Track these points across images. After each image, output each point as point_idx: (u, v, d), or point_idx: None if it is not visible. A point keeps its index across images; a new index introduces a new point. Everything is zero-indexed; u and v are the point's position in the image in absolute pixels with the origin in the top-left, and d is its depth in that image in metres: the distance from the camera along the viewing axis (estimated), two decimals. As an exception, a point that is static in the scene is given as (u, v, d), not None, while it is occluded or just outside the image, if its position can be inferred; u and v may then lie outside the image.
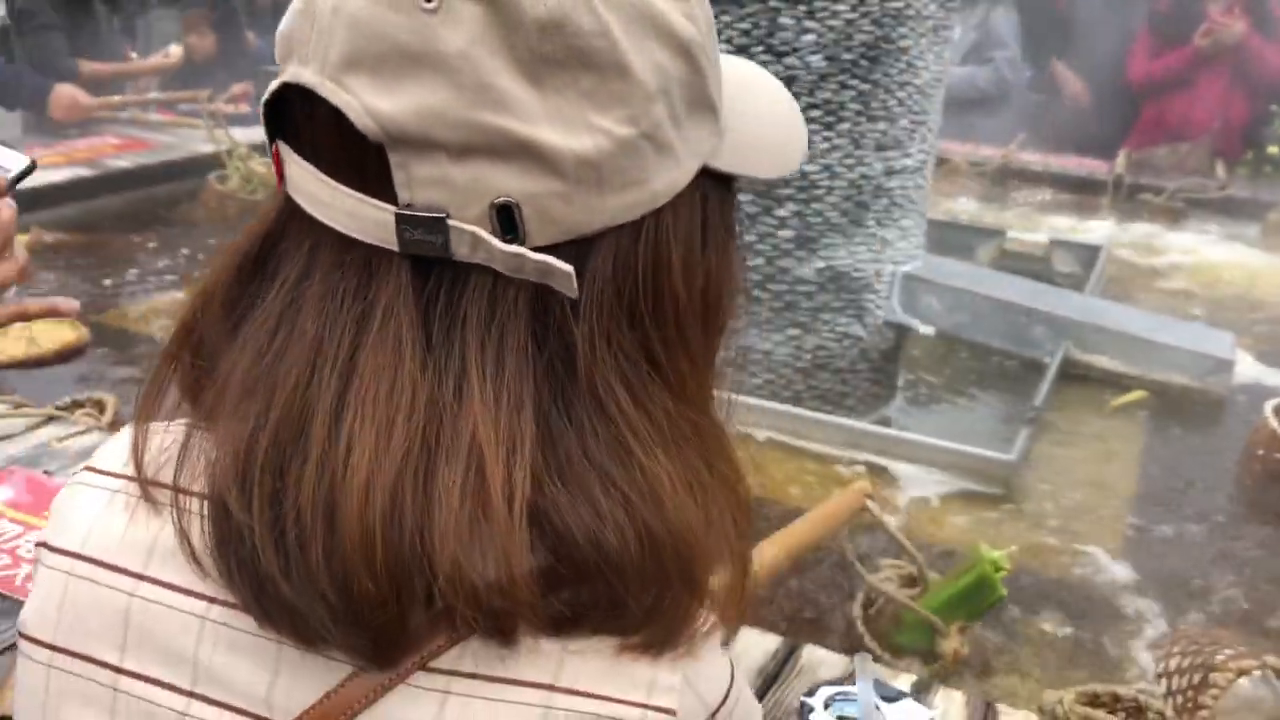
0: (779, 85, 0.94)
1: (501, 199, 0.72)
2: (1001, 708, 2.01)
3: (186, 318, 0.82)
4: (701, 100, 0.79)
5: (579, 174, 0.73)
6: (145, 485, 0.80)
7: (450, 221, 0.72)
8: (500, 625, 0.73)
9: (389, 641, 0.73)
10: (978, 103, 7.64)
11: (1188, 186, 6.59)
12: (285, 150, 0.77)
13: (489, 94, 0.68)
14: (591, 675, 0.74)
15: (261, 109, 0.77)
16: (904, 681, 2.04)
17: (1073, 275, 5.38)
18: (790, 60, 3.72)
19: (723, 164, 0.83)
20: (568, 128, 0.72)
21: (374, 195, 0.73)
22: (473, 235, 0.73)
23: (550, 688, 0.73)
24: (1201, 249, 5.98)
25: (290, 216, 0.79)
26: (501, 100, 0.69)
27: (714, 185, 0.83)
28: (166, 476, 0.79)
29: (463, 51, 0.68)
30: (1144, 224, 6.25)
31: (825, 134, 3.82)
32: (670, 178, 0.78)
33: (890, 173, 4.00)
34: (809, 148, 3.16)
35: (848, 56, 3.75)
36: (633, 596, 0.74)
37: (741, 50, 3.68)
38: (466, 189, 0.72)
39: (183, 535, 0.77)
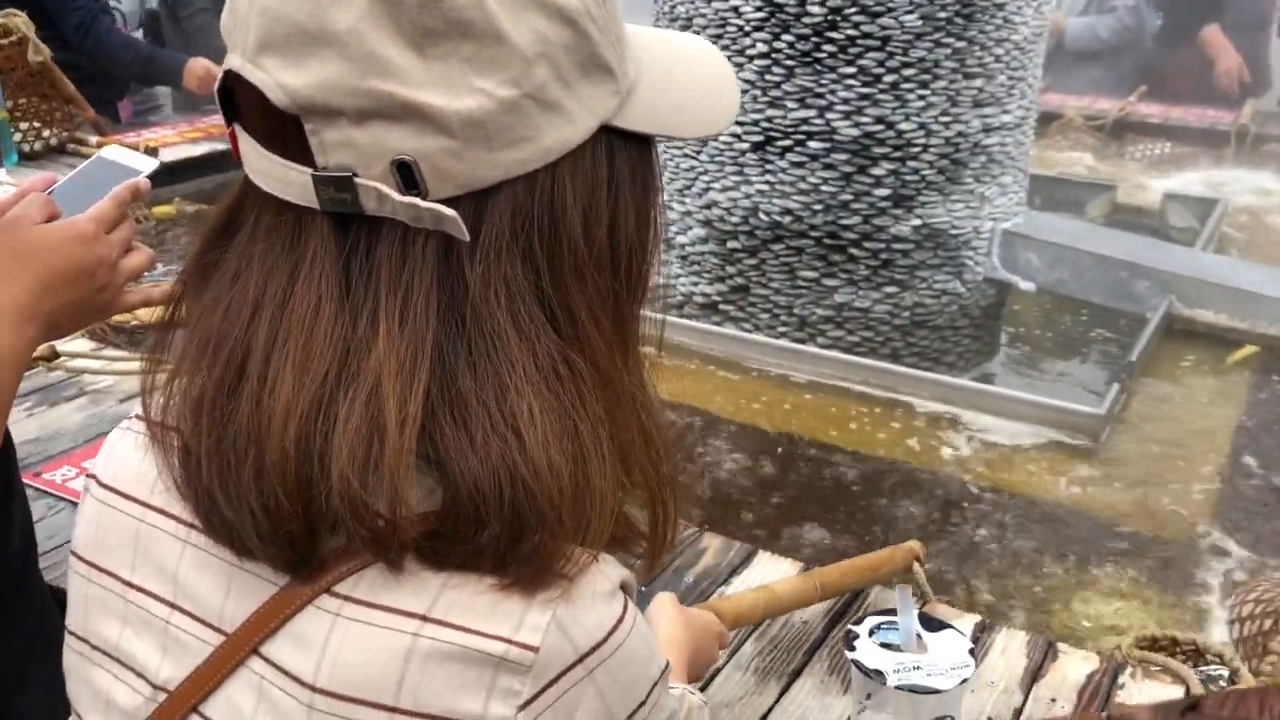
0: (715, 55, 1.01)
1: (399, 157, 0.82)
2: (1062, 647, 2.09)
3: (179, 280, 0.95)
4: (593, 63, 0.85)
5: (466, 132, 0.82)
6: (150, 424, 0.91)
7: (357, 180, 0.82)
8: (388, 551, 0.79)
9: (303, 558, 0.82)
10: (1098, 54, 7.46)
11: (1318, 136, 6.36)
12: (238, 130, 0.87)
13: (377, 64, 0.77)
14: (463, 609, 0.79)
15: (216, 96, 0.86)
16: (967, 623, 2.13)
17: (1187, 230, 5.28)
18: (885, 20, 3.75)
19: (630, 122, 0.91)
20: (452, 90, 0.80)
21: (296, 160, 0.84)
22: (377, 191, 0.82)
23: (423, 618, 0.79)
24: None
25: (246, 188, 0.88)
26: (388, 68, 0.78)
27: (625, 142, 0.91)
28: (164, 416, 0.91)
29: (352, 28, 0.77)
30: (1268, 175, 6.05)
31: (920, 92, 3.84)
32: (561, 134, 0.86)
33: (988, 130, 4.00)
34: (904, 107, 3.19)
35: (942, 14, 3.76)
36: (493, 532, 0.79)
37: (835, 12, 3.73)
38: (369, 150, 0.82)
39: (165, 466, 0.89)
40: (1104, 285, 4.16)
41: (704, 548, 2.29)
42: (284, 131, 0.84)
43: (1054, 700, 1.94)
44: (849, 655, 1.55)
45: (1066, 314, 4.49)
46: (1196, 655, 2.21)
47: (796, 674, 1.96)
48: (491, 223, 0.85)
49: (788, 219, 3.98)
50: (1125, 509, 3.06)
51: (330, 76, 0.80)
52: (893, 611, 1.63)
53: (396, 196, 0.82)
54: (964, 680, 1.51)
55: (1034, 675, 1.98)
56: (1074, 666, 2.02)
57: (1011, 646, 2.06)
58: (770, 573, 2.22)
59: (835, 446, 3.35)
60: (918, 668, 1.53)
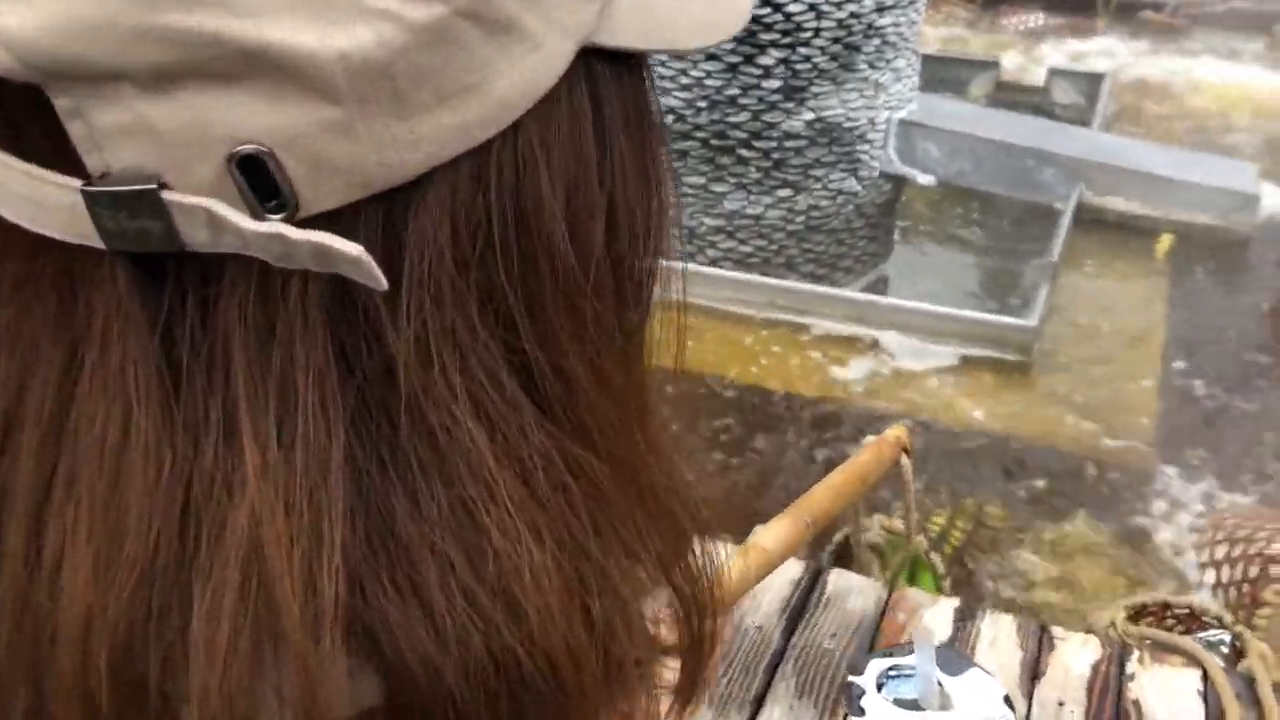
0: None
1: (241, 148, 0.43)
2: (1057, 632, 1.79)
3: None
4: None
5: (360, 89, 0.44)
6: None
7: (167, 194, 0.43)
8: None
9: None
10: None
11: (1187, 1, 6.18)
12: None
13: None
14: None
15: None
16: (945, 608, 1.81)
17: (1074, 107, 5.04)
18: (768, -112, 3.31)
19: (621, 37, 0.52)
20: (327, 16, 0.43)
21: (51, 166, 0.44)
22: (207, 212, 0.44)
23: None
24: (1207, 70, 5.61)
25: None
26: None
27: (610, 72, 0.52)
28: None
29: None
30: (1144, 44, 5.85)
31: (810, -30, 3.44)
32: (525, 72, 0.48)
33: (881, 9, 3.62)
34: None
35: (830, -121, 3.34)
36: None
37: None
38: (181, 137, 0.44)
39: None
40: (1008, 175, 3.87)
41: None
42: (18, 115, 0.44)
43: (1061, 704, 1.63)
44: (857, 723, 1.19)
45: (970, 208, 4.19)
46: (1191, 619, 1.95)
47: (760, 701, 1.61)
48: (420, 246, 0.47)
49: (670, 119, 3.55)
50: (1062, 430, 2.80)
51: (87, 9, 0.40)
52: (899, 649, 1.28)
53: (243, 222, 0.43)
54: (1006, 744, 1.17)
55: (1033, 672, 1.67)
56: (1075, 656, 1.72)
57: (1001, 635, 1.75)
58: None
59: (736, 380, 2.99)
60: (947, 733, 1.18)
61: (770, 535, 1.52)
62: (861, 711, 1.20)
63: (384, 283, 0.43)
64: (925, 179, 3.86)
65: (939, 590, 1.95)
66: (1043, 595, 2.32)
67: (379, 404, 0.46)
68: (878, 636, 1.72)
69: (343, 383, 0.45)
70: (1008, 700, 1.22)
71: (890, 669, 1.26)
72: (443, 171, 0.45)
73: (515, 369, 0.48)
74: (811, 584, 1.84)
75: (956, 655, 1.27)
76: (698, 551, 0.60)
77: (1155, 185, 3.75)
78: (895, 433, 1.82)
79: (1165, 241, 3.63)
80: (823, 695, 1.61)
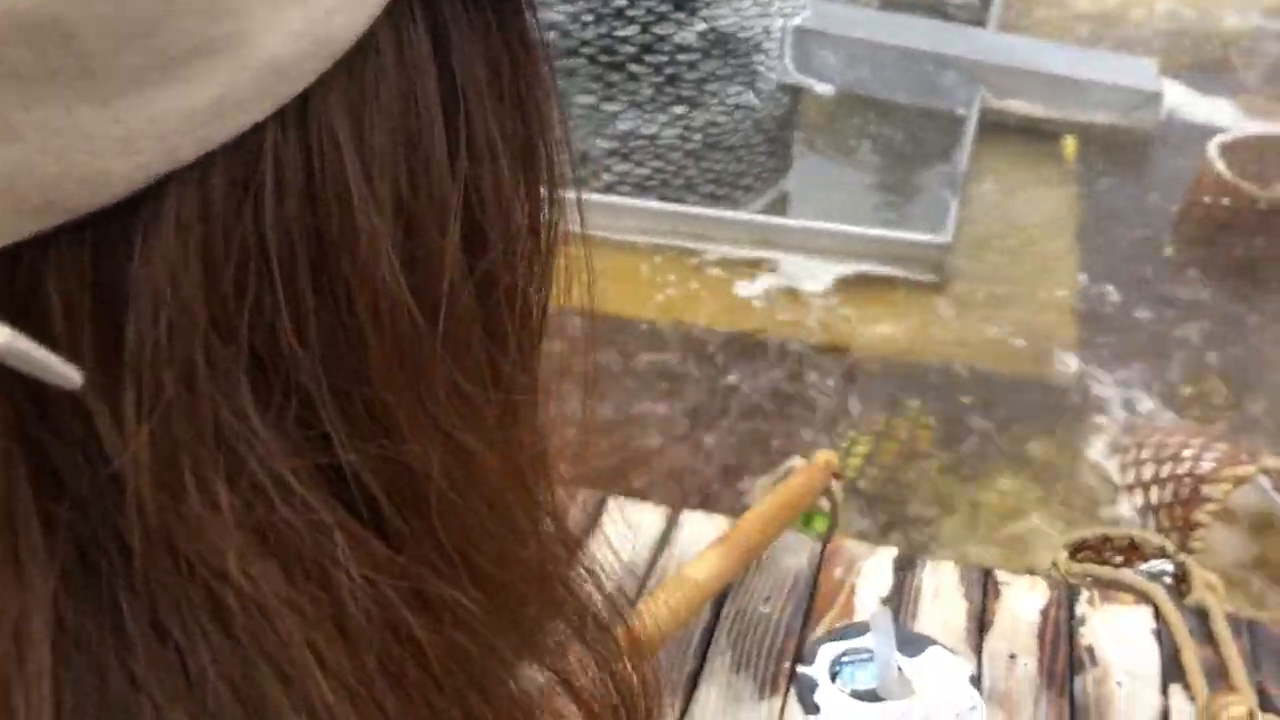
0: None
1: None
2: (1001, 576, 1.68)
3: None
4: None
5: (24, 60, 0.26)
6: None
7: None
8: None
9: None
10: None
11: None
12: None
13: None
14: None
15: None
16: (883, 559, 1.69)
17: (969, 7, 4.91)
18: None
19: None
20: None
21: None
22: None
23: None
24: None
25: None
26: None
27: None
28: None
29: None
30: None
31: None
32: (314, 14, 0.29)
33: (771, -90, 3.44)
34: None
35: None
36: None
37: None
38: None
39: None
40: (908, 81, 3.74)
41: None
42: None
43: (1013, 657, 1.53)
44: (812, 723, 1.06)
45: (871, 117, 4.05)
46: (1132, 550, 1.87)
47: (694, 681, 1.47)
48: (151, 301, 0.28)
49: (554, 35, 3.33)
50: (980, 347, 2.71)
51: None
52: (850, 630, 1.15)
53: None
54: (979, 734, 1.05)
55: (980, 623, 1.56)
56: (1022, 602, 1.61)
57: (944, 586, 1.63)
58: (632, 523, 1.72)
59: (638, 317, 2.83)
60: (912, 726, 1.05)
61: (702, 567, 1.38)
62: (816, 708, 1.06)
63: (74, 378, 0.26)
64: (824, 89, 3.72)
65: (831, 526, 1.82)
66: (965, 518, 2.23)
67: (106, 544, 0.29)
68: (815, 596, 1.60)
69: (46, 519, 0.28)
70: (974, 680, 1.09)
71: (843, 654, 1.12)
72: (182, 181, 0.27)
73: (321, 474, 0.31)
74: (770, 541, 1.70)
75: (914, 634, 1.14)
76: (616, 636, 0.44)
77: (1056, 86, 3.66)
78: (825, 457, 1.69)
79: (1070, 145, 3.54)
80: (762, 669, 1.48)
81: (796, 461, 1.71)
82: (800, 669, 1.11)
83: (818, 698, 1.08)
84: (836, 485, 1.69)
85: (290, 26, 0.28)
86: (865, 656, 1.12)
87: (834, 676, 1.10)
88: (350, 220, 0.29)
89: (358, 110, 0.29)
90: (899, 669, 1.10)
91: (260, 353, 0.29)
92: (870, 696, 1.08)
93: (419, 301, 0.31)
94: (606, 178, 3.51)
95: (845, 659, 1.12)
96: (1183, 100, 3.84)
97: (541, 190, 0.35)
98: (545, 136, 0.35)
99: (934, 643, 1.14)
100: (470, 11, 0.32)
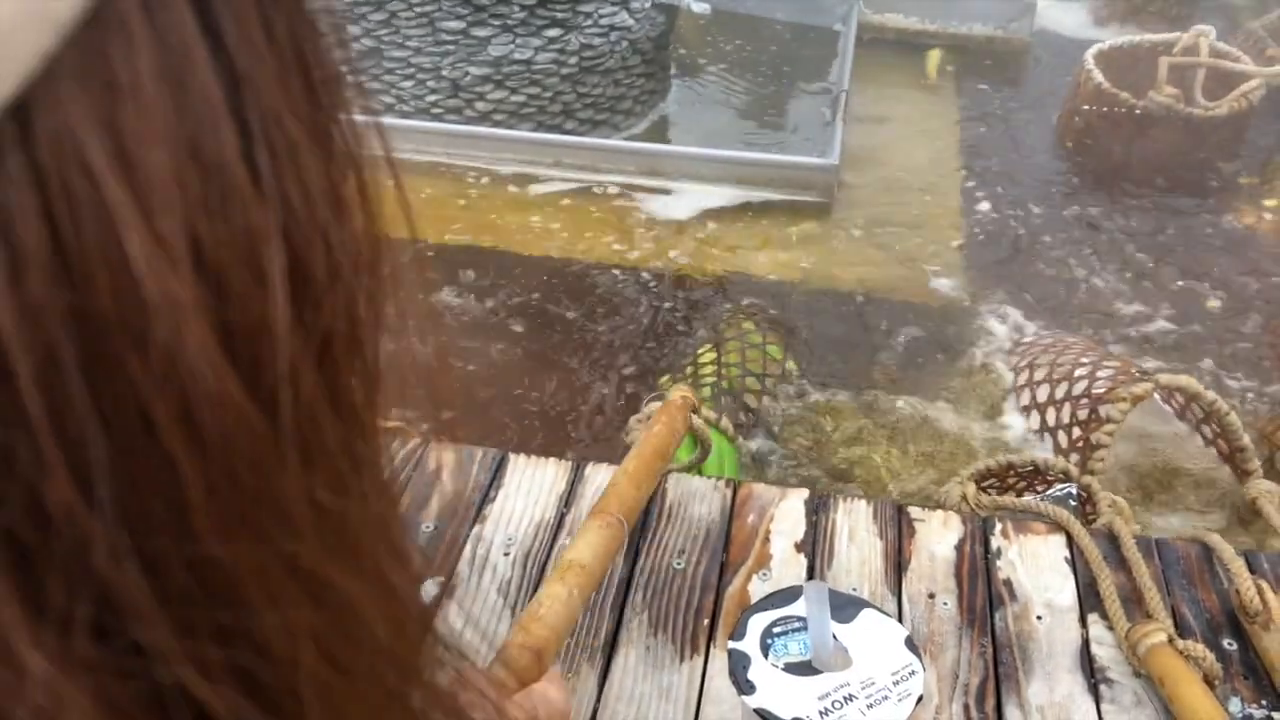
0: None
1: None
2: (914, 512, 1.66)
3: None
4: None
5: None
6: None
7: None
8: None
9: None
10: None
11: None
12: None
13: None
14: None
15: None
16: (795, 501, 1.65)
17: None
18: None
19: None
20: None
21: None
22: None
23: None
24: None
25: None
26: None
27: None
28: None
29: None
30: None
31: None
32: None
33: None
34: None
35: None
36: None
37: None
38: None
39: None
40: (784, -3, 3.66)
41: (436, 467, 1.66)
42: None
43: (933, 597, 1.50)
44: (747, 703, 1.01)
45: (748, 35, 3.95)
46: (1035, 475, 1.86)
47: (612, 644, 1.41)
48: None
49: (416, -42, 3.15)
50: (872, 270, 2.67)
51: None
52: (777, 597, 1.09)
53: None
54: (919, 699, 1.01)
55: (898, 564, 1.54)
56: (937, 539, 1.59)
57: (858, 526, 1.61)
58: (536, 481, 1.65)
59: (527, 252, 2.73)
60: (850, 698, 1.01)
61: (584, 548, 1.29)
62: (751, 687, 1.01)
63: None
64: (700, 7, 3.62)
65: (703, 452, 1.77)
66: (862, 449, 2.20)
67: None
68: (729, 546, 1.55)
69: None
70: (910, 643, 1.05)
71: (773, 625, 1.07)
72: None
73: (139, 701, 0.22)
74: (649, 494, 1.64)
75: (845, 596, 1.09)
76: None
77: (933, -1, 3.62)
78: (679, 393, 1.63)
79: (933, 59, 3.50)
80: (680, 628, 1.43)
81: (654, 405, 1.65)
82: (731, 644, 1.06)
83: (751, 675, 1.02)
84: (698, 421, 1.64)
85: None
86: (796, 625, 1.07)
87: (765, 650, 1.04)
88: (130, 289, 0.19)
89: (110, 111, 0.19)
90: (834, 638, 1.05)
91: (20, 536, 0.19)
92: (805, 669, 1.03)
93: (250, 393, 0.21)
94: (481, 106, 3.36)
95: (776, 629, 1.07)
96: (1056, 11, 3.83)
97: (349, 176, 0.25)
98: (335, 98, 0.25)
99: (867, 605, 1.09)
100: None
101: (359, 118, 0.25)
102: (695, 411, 1.70)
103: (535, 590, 1.35)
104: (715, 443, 1.81)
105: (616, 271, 2.66)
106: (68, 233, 0.18)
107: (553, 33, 3.35)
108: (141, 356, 0.19)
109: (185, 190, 0.20)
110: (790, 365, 2.41)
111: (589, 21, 3.40)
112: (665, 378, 2.42)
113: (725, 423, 2.00)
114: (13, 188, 0.18)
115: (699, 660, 1.37)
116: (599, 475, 1.66)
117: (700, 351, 2.44)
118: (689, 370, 2.40)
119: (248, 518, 0.22)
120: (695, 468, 1.83)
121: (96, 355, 0.19)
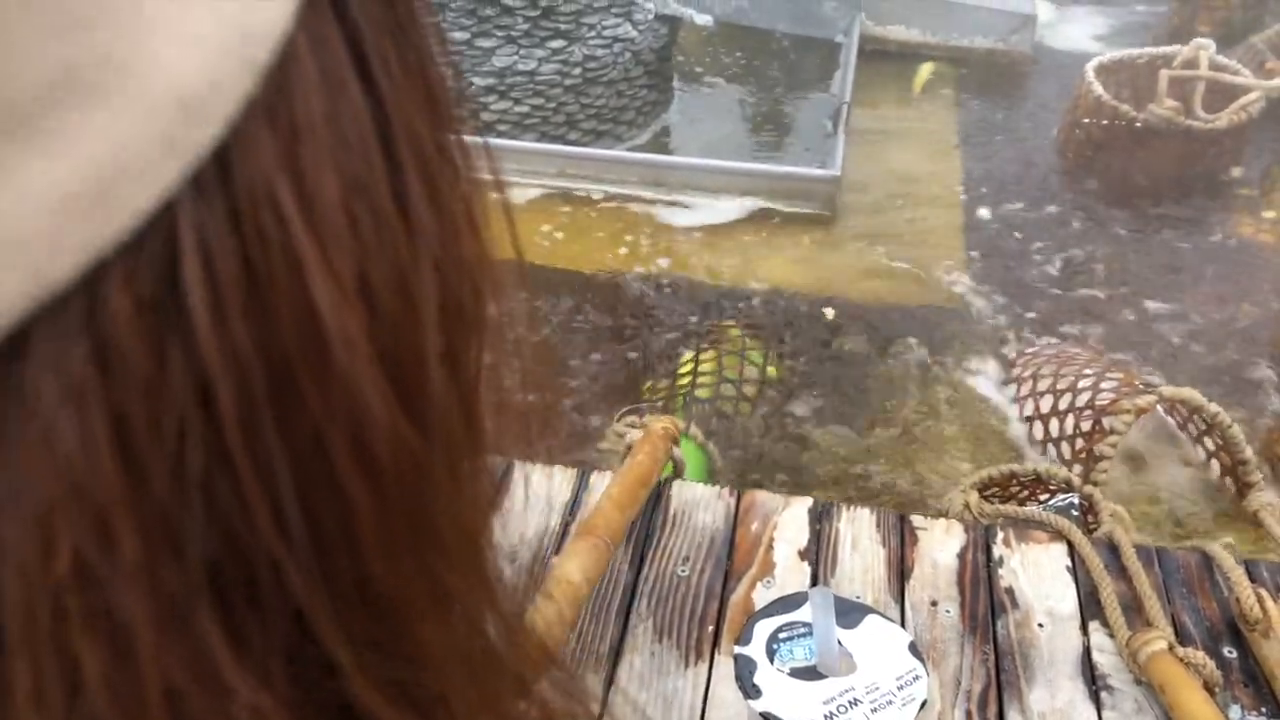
0: None
1: None
2: (917, 521, 1.67)
3: None
4: None
5: None
6: None
7: None
8: None
9: None
10: None
11: None
12: None
13: None
14: None
15: None
16: (799, 510, 1.66)
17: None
18: None
19: None
20: None
21: None
22: None
23: None
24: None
25: None
26: None
27: None
28: None
29: None
30: None
31: None
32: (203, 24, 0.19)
33: None
34: None
35: None
36: None
37: None
38: None
39: None
40: (787, 10, 3.67)
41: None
42: None
43: (935, 604, 1.51)
44: (753, 707, 1.02)
45: (751, 48, 3.98)
46: (1038, 485, 1.87)
47: (618, 650, 1.43)
48: (22, 535, 0.17)
49: (421, -31, 3.17)
50: (877, 283, 2.68)
51: None
52: (782, 604, 1.11)
53: None
54: (923, 703, 1.02)
55: (900, 572, 1.54)
56: (940, 547, 1.60)
57: (861, 534, 1.62)
58: (541, 488, 1.66)
59: (532, 261, 2.74)
60: (855, 702, 1.02)
61: (573, 566, 1.33)
62: (757, 691, 1.02)
63: None
64: (702, 19, 3.63)
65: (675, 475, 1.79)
66: (876, 450, 2.22)
67: None
68: (733, 554, 1.56)
69: None
70: (913, 648, 1.06)
71: (779, 630, 1.08)
72: (58, 317, 0.18)
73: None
74: (654, 502, 1.65)
75: (850, 602, 1.10)
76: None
77: (933, 10, 3.64)
78: (661, 424, 1.66)
79: (924, 71, 3.52)
80: (685, 635, 1.44)
81: (633, 417, 1.68)
82: (737, 649, 1.07)
83: (758, 679, 1.03)
84: (679, 452, 1.68)
85: (197, 29, 0.18)
86: (802, 631, 1.08)
87: (771, 655, 1.06)
88: (314, 323, 0.20)
89: (293, 152, 0.20)
90: (839, 643, 1.07)
91: (219, 564, 0.20)
92: (810, 673, 1.04)
93: (410, 420, 0.22)
94: (486, 116, 3.38)
95: (782, 635, 1.08)
96: (1057, 21, 3.85)
97: (473, 198, 0.26)
98: (455, 120, 0.26)
99: (871, 611, 1.11)
100: None
101: (470, 138, 0.26)
102: (676, 443, 1.74)
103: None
104: (685, 449, 1.83)
105: (615, 278, 2.68)
106: (260, 272, 0.19)
107: (556, 44, 3.37)
108: (319, 388, 0.20)
109: (353, 225, 0.21)
110: (771, 371, 2.42)
111: (592, 33, 3.42)
112: (648, 384, 2.44)
113: (695, 430, 2.02)
114: (216, 231, 0.19)
115: (704, 667, 1.38)
116: (604, 483, 1.68)
117: (683, 360, 2.46)
118: (666, 384, 2.42)
119: (406, 538, 0.23)
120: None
121: (282, 388, 0.20)
